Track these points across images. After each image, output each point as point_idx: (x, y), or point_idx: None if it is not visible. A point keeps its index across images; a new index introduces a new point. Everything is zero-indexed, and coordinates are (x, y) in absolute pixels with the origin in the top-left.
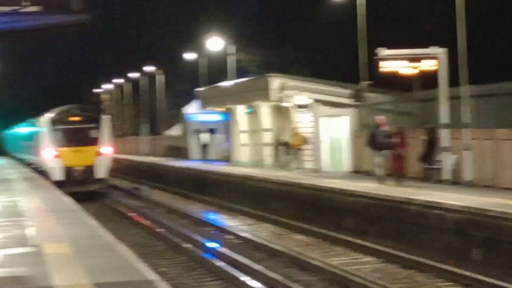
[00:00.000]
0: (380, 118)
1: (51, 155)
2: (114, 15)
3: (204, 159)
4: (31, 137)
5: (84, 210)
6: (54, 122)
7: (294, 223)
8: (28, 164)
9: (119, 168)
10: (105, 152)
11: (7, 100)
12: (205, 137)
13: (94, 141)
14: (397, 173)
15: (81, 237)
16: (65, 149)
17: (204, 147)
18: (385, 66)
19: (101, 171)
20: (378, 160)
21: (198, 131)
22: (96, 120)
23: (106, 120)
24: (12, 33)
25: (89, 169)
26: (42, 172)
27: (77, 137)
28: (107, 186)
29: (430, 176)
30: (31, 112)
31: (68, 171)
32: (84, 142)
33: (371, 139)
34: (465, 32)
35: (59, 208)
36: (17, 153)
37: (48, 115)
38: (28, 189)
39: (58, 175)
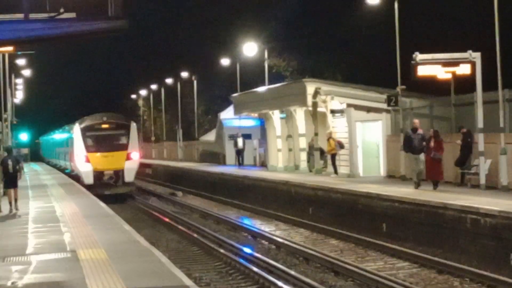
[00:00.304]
0: (417, 122)
1: (83, 159)
2: (150, 21)
3: (240, 164)
4: (65, 143)
5: (120, 216)
6: (85, 129)
7: (329, 228)
8: (63, 170)
9: (155, 174)
10: (133, 157)
11: (45, 106)
12: (240, 142)
13: (123, 147)
14: (434, 177)
15: (116, 243)
16: (96, 154)
17: (239, 152)
18: (422, 71)
19: (129, 175)
20: (414, 164)
21: (233, 136)
22: (125, 127)
23: (134, 127)
24: (48, 39)
25: (118, 173)
26: (75, 177)
27: (107, 143)
28: (136, 189)
29: (466, 181)
30: (67, 118)
31: (98, 175)
32: (114, 148)
33: (407, 142)
34: (498, 37)
35: (95, 213)
36: (53, 159)
37: (80, 122)
38: (64, 194)
39: (89, 179)
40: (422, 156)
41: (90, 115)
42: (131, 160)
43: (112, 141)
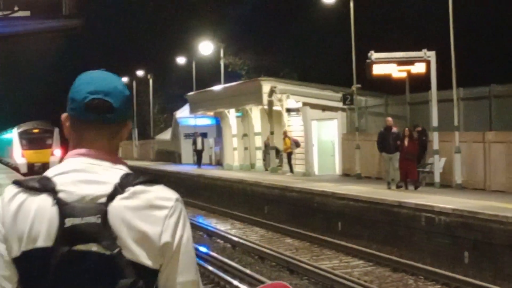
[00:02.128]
0: (390, 120)
1: (19, 155)
2: (104, 19)
3: (198, 163)
4: (9, 142)
5: None
6: (21, 132)
7: (285, 227)
8: (6, 164)
9: None
10: (56, 153)
11: (4, 104)
12: (200, 141)
13: (48, 146)
14: (408, 177)
15: None
16: (29, 151)
17: (199, 152)
18: (377, 70)
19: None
20: (388, 164)
21: (189, 136)
22: (50, 132)
23: (56, 132)
24: (1, 37)
25: (45, 165)
26: (15, 168)
27: (37, 143)
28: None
29: (421, 179)
30: (22, 119)
31: (31, 166)
32: (42, 147)
33: (381, 141)
34: (453, 36)
35: None
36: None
37: (18, 128)
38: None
39: (24, 169)
40: (396, 156)
41: (25, 122)
42: (54, 155)
43: (40, 141)
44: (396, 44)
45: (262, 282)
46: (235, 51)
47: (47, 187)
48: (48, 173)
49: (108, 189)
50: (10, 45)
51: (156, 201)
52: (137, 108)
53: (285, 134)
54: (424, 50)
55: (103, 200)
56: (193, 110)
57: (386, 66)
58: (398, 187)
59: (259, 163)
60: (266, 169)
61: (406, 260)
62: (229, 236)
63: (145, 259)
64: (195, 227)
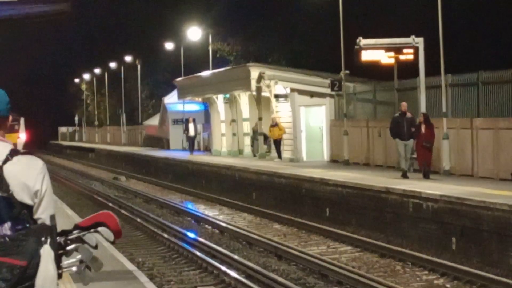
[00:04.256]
0: (405, 105)
1: (23, 138)
2: (92, 4)
3: (190, 149)
4: None
5: (62, 201)
6: None
7: (273, 213)
8: None
9: (98, 159)
10: (21, 137)
11: None
12: (192, 127)
13: (16, 131)
14: (424, 165)
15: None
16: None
17: (191, 138)
18: (365, 56)
19: (20, 146)
20: (402, 151)
21: (179, 121)
22: (17, 120)
23: (22, 120)
24: None
25: (14, 145)
26: None
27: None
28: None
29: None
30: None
31: None
32: (11, 131)
33: (395, 128)
34: (441, 22)
35: None
36: None
37: None
38: None
39: None
40: (411, 142)
41: None
42: (20, 138)
43: (10, 127)
44: (384, 30)
45: (250, 268)
46: (224, 37)
47: None
48: None
49: (2, 157)
50: None
51: (31, 165)
52: (125, 94)
53: (275, 121)
54: (412, 37)
55: (0, 163)
56: (181, 95)
57: (374, 52)
58: (404, 176)
59: (248, 149)
60: (254, 155)
61: (394, 246)
62: (217, 222)
63: (26, 199)
64: (183, 212)
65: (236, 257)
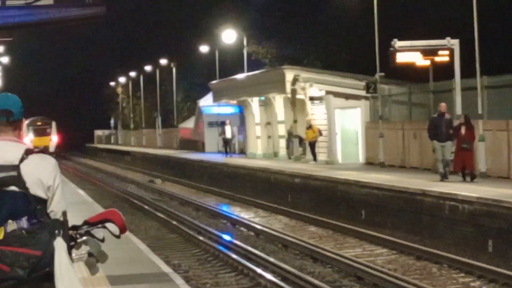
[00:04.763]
0: (444, 105)
1: (28, 141)
2: (128, 8)
3: (227, 152)
4: None
5: (98, 203)
6: (29, 124)
7: (308, 215)
8: None
9: (134, 162)
10: (53, 139)
11: (25, 95)
12: (229, 130)
13: (48, 134)
14: (465, 169)
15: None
16: (35, 137)
17: (227, 140)
18: (401, 58)
19: (52, 148)
20: (440, 153)
21: (215, 124)
22: (49, 124)
23: (54, 124)
24: (25, 26)
25: (46, 147)
26: None
27: (41, 131)
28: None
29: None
30: (48, 107)
31: (36, 147)
32: (43, 134)
33: (433, 129)
34: (476, 23)
35: (74, 201)
36: None
37: (27, 121)
38: None
39: None
40: (449, 144)
41: (32, 117)
42: (52, 140)
43: (42, 131)
44: (419, 32)
45: (286, 271)
46: (259, 40)
47: None
48: None
49: (18, 156)
50: (34, 33)
51: (44, 163)
52: (160, 96)
53: (309, 123)
54: (448, 38)
55: (17, 162)
56: (216, 98)
57: (409, 54)
58: (442, 178)
59: (283, 152)
60: (290, 158)
61: (430, 248)
62: (253, 225)
63: (41, 193)
64: (219, 215)
65: (271, 259)
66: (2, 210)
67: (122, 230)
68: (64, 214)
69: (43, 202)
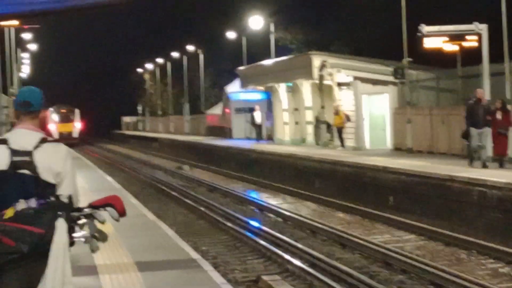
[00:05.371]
0: (481, 91)
1: (54, 127)
2: None
3: (258, 138)
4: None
5: (127, 190)
6: (53, 111)
7: (336, 201)
8: None
9: (162, 148)
10: (76, 126)
11: (52, 81)
12: (259, 115)
13: (71, 120)
14: (500, 153)
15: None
16: (59, 123)
17: (258, 126)
18: (428, 43)
19: (75, 134)
20: (477, 140)
21: (242, 110)
22: (72, 111)
23: (77, 112)
24: (52, 13)
25: (70, 133)
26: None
27: (64, 119)
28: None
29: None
30: (75, 91)
31: (60, 134)
32: (67, 121)
33: (470, 115)
34: (505, 7)
35: (102, 187)
36: None
37: (52, 109)
38: None
39: (56, 136)
40: (487, 130)
41: (56, 105)
42: (75, 127)
43: (66, 118)
44: (447, 16)
45: (314, 257)
46: (285, 25)
47: (4, 142)
48: (6, 135)
49: (33, 143)
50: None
51: (56, 151)
52: (187, 83)
53: (336, 109)
54: (476, 23)
55: (31, 148)
56: (243, 84)
57: (437, 39)
58: (484, 166)
59: (310, 138)
60: (317, 144)
61: (459, 234)
62: (281, 211)
63: (50, 179)
64: (246, 201)
65: (299, 245)
66: (15, 191)
67: (122, 214)
68: (70, 197)
69: (52, 186)
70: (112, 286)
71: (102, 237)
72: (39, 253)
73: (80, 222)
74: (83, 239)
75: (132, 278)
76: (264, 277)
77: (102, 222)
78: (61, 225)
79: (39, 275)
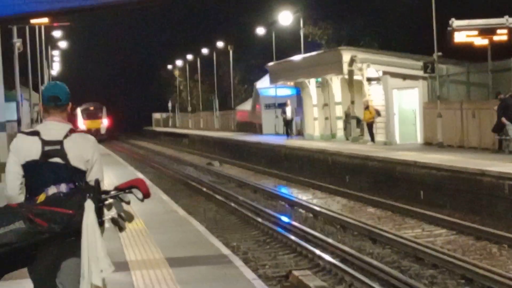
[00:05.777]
0: None
1: (82, 123)
2: None
3: (288, 133)
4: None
5: (157, 186)
6: (83, 110)
7: (366, 196)
8: None
9: (192, 144)
10: (104, 122)
11: (83, 78)
12: (289, 111)
13: (99, 117)
14: None
15: (154, 213)
16: (88, 120)
17: (288, 121)
18: (458, 37)
19: (103, 130)
20: (509, 134)
21: (271, 106)
22: (101, 108)
23: (104, 109)
24: (82, 10)
25: (98, 129)
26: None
27: (92, 116)
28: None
29: (504, 147)
30: (107, 89)
31: (89, 130)
32: (95, 118)
33: (504, 110)
34: None
35: None
36: None
37: (81, 107)
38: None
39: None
40: None
41: (85, 103)
42: (103, 123)
43: (94, 115)
44: (476, 10)
45: (345, 252)
46: (315, 21)
47: (35, 133)
48: (37, 127)
49: (63, 133)
50: (92, 16)
51: (84, 141)
52: (217, 79)
53: (366, 104)
54: (506, 17)
55: (61, 138)
56: (273, 80)
57: (467, 33)
58: None
59: (340, 133)
60: (347, 139)
61: (490, 228)
62: (311, 206)
63: (80, 166)
64: (276, 197)
65: (330, 241)
66: (47, 178)
67: (146, 195)
68: (97, 181)
69: (81, 172)
70: (144, 282)
71: (128, 217)
72: (71, 232)
73: (107, 202)
74: (111, 217)
75: (163, 274)
76: (295, 272)
77: (128, 203)
78: (89, 205)
79: (70, 251)
